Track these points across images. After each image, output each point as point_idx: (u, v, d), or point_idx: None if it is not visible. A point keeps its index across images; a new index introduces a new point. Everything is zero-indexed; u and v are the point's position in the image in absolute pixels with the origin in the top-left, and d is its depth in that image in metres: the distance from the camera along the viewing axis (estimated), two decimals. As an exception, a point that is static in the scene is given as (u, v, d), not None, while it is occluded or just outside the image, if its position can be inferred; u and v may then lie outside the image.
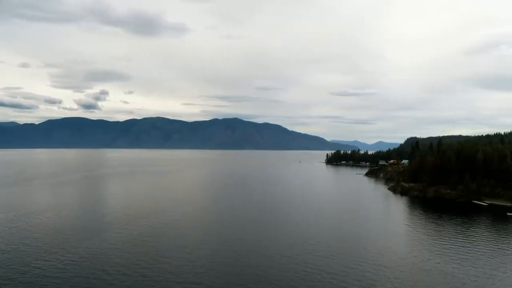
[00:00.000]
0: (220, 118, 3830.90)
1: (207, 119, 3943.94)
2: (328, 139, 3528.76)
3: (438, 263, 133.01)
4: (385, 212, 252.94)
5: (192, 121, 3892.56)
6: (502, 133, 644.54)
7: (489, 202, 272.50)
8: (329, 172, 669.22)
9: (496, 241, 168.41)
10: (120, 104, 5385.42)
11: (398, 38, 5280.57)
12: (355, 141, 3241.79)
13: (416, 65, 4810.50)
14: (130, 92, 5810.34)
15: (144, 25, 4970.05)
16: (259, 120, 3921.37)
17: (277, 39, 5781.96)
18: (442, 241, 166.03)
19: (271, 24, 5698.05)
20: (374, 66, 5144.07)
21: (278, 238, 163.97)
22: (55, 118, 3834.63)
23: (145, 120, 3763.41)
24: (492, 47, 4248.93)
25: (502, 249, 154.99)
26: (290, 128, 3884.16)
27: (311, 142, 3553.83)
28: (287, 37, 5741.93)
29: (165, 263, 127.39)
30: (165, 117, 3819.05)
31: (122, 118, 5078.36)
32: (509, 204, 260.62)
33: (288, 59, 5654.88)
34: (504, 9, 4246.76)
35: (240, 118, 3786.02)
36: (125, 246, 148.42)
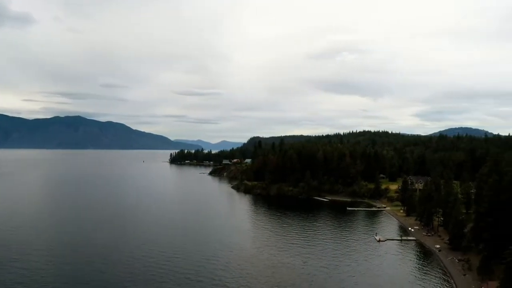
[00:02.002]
0: (62, 116, 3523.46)
1: (49, 116, 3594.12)
2: (172, 138, 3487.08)
3: (286, 258, 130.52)
4: (230, 210, 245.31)
5: (33, 118, 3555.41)
6: (341, 134, 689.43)
7: (329, 198, 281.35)
8: (174, 172, 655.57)
9: (339, 234, 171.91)
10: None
11: (245, 40, 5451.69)
12: (199, 141, 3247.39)
13: (262, 66, 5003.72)
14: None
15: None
16: (103, 119, 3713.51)
17: (124, 35, 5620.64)
18: (288, 236, 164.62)
19: (119, 20, 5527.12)
20: (220, 66, 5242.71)
21: (126, 241, 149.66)
22: None
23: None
24: (335, 53, 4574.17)
25: (344, 241, 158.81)
26: (134, 127, 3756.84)
27: (155, 141, 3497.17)
28: (134, 34, 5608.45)
29: (11, 272, 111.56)
30: (4, 113, 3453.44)
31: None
32: (348, 200, 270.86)
33: (135, 56, 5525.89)
34: (347, 18, 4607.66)
35: (83, 116, 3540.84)
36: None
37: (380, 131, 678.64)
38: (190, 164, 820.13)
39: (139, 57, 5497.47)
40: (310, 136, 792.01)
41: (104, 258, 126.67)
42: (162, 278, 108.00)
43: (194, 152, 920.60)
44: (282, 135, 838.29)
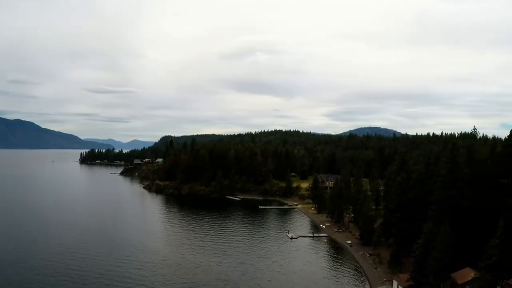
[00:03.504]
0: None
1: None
2: (82, 137, 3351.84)
3: (201, 257, 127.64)
4: (143, 211, 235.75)
5: None
6: (253, 133, 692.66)
7: (241, 197, 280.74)
8: (84, 172, 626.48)
9: (252, 232, 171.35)
10: None
11: (161, 38, 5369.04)
12: (110, 140, 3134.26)
13: (175, 65, 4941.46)
14: None
15: None
16: (11, 117, 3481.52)
17: (35, 29, 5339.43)
18: (201, 236, 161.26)
19: (30, 13, 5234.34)
20: (132, 64, 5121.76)
21: (37, 245, 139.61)
22: None
23: None
24: (248, 53, 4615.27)
25: (258, 239, 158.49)
26: (43, 125, 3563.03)
27: (65, 140, 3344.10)
28: (46, 28, 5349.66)
29: None
30: None
31: None
32: (260, 198, 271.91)
33: (45, 51, 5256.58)
34: (261, 19, 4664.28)
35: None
36: None
37: (292, 130, 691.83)
38: (101, 164, 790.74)
39: (50, 52, 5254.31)
40: (222, 135, 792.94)
41: (17, 263, 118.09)
42: (81, 280, 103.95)
43: (105, 151, 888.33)
44: (194, 134, 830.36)
